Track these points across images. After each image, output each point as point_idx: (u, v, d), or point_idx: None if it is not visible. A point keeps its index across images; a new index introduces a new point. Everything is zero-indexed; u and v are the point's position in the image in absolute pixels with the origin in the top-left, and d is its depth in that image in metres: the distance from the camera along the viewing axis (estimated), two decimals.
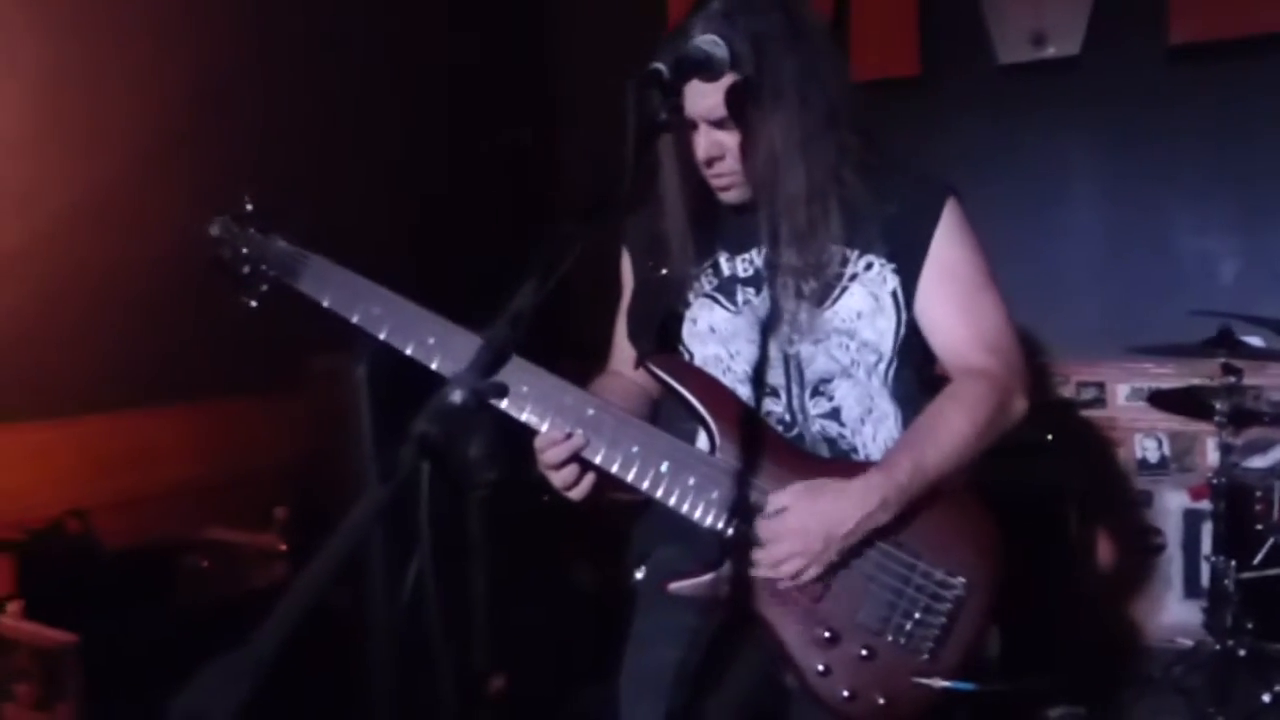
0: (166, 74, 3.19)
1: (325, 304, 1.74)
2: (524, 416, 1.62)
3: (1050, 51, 3.97)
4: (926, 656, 1.54)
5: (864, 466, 1.58)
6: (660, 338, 1.75)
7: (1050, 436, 3.42)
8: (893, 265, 1.64)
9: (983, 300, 1.65)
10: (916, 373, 1.70)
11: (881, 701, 1.53)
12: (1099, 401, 4.05)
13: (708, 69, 1.38)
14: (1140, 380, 3.93)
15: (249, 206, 1.84)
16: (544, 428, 1.61)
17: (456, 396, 0.90)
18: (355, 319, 1.72)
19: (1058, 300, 3.85)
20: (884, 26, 4.09)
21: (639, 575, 1.83)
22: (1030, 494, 3.20)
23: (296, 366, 2.43)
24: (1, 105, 2.83)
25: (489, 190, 4.37)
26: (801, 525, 1.52)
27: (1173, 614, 3.92)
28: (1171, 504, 3.97)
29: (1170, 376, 3.74)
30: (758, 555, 1.54)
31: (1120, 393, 4.02)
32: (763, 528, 1.54)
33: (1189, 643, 3.49)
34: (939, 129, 4.02)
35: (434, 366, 1.68)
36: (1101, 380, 4.04)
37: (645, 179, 1.67)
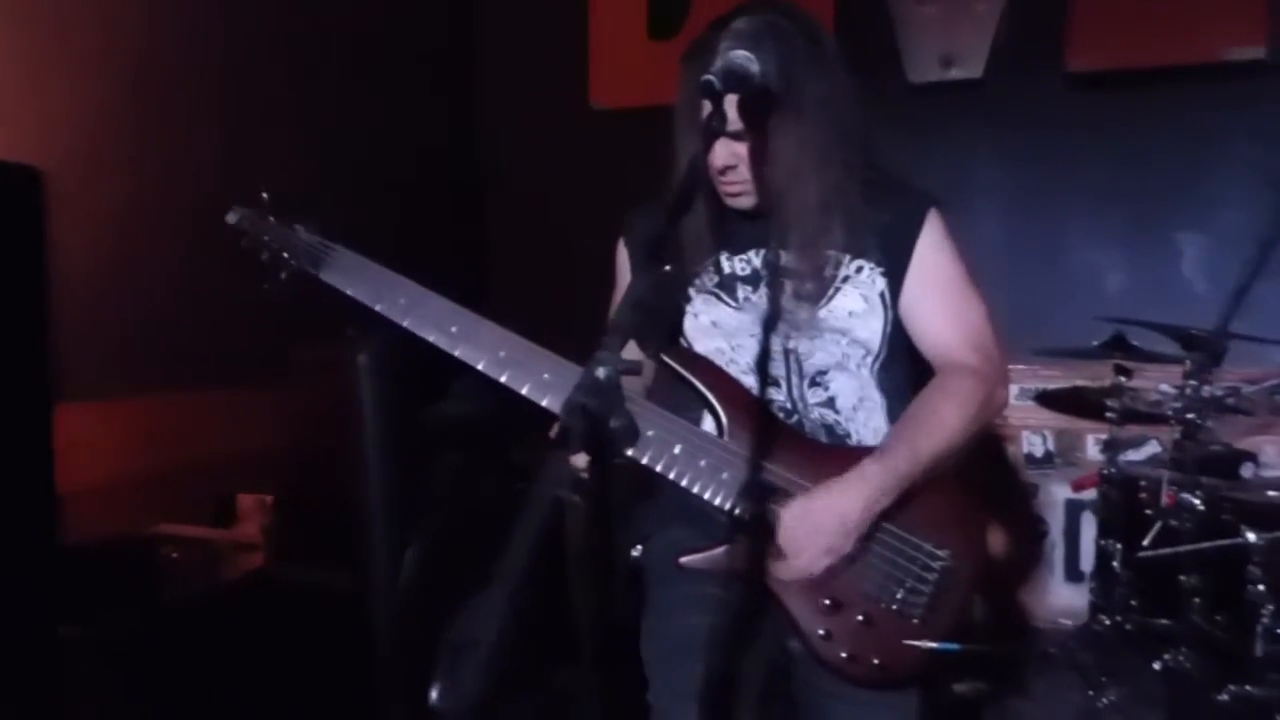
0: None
1: (349, 293, 1.81)
2: (545, 402, 1.73)
3: (954, 73, 4.24)
4: (917, 621, 1.71)
5: (861, 453, 1.73)
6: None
7: None
8: (881, 269, 1.81)
9: (964, 300, 1.83)
10: (902, 367, 1.87)
11: (877, 662, 1.69)
12: None
13: (748, 84, 1.50)
14: (1030, 382, 4.21)
15: (264, 196, 1.89)
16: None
17: (601, 373, 1.01)
18: (379, 308, 1.79)
19: None
20: None
21: (634, 554, 1.95)
22: None
23: (280, 357, 2.44)
24: None
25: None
26: (815, 528, 1.66)
27: (1056, 596, 4.22)
28: (1056, 495, 4.28)
29: (1057, 378, 4.03)
30: (782, 567, 1.67)
31: (1010, 393, 4.30)
32: (782, 538, 1.67)
33: (1069, 623, 3.78)
34: None
35: (457, 353, 1.76)
36: None
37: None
